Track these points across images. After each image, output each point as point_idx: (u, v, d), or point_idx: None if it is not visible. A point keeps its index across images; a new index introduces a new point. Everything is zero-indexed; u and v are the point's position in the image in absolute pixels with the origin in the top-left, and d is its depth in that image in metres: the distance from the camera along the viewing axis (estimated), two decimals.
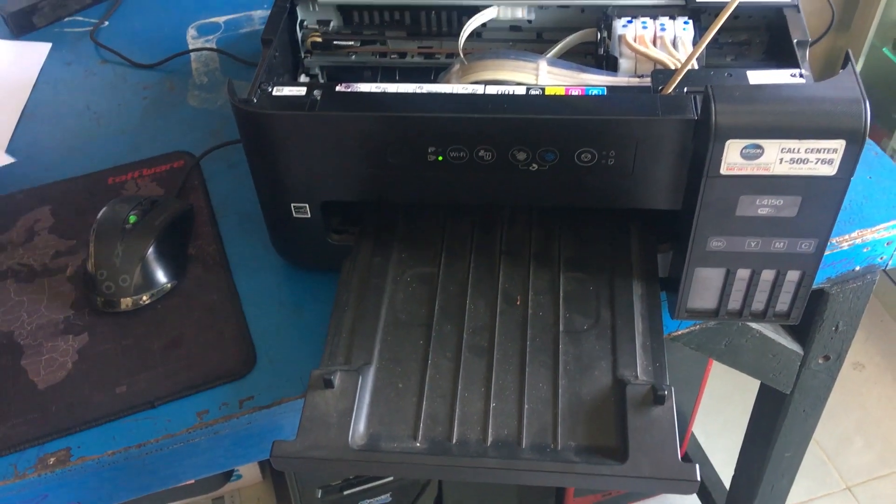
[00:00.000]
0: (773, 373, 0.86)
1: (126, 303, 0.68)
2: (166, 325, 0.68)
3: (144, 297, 0.69)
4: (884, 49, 1.62)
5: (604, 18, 0.68)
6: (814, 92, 0.52)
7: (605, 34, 0.67)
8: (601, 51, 0.68)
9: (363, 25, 0.75)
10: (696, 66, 0.63)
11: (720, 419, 1.58)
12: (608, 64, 0.67)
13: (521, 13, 0.72)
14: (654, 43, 0.65)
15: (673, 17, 0.67)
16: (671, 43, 0.65)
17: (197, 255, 0.73)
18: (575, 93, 0.60)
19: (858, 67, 1.66)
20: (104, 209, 0.71)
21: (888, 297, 1.73)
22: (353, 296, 0.63)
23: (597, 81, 0.64)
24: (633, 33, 0.66)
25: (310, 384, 0.56)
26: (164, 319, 0.68)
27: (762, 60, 0.70)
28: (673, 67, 0.63)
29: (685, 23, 0.66)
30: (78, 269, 0.72)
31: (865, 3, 1.61)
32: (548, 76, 0.64)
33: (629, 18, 0.67)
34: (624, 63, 0.66)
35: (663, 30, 0.66)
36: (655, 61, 0.64)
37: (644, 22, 0.67)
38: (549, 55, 0.69)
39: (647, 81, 0.62)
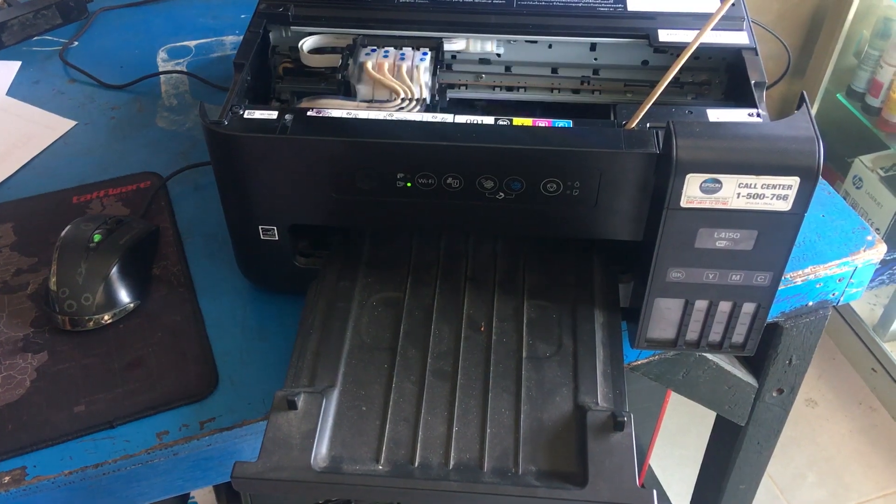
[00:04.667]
0: (728, 404, 0.87)
1: (88, 322, 0.68)
2: (128, 344, 0.67)
3: (106, 317, 0.68)
4: (837, 95, 1.68)
5: (350, 45, 0.70)
6: (770, 130, 0.55)
7: (350, 60, 0.69)
8: (339, 76, 0.69)
9: (335, 52, 0.76)
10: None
11: (676, 452, 1.60)
12: (346, 89, 0.69)
13: (489, 46, 0.73)
14: (393, 71, 0.68)
15: (414, 49, 0.69)
16: (407, 72, 0.67)
17: (161, 276, 0.73)
18: (542, 124, 0.61)
19: (813, 112, 1.72)
20: (68, 227, 0.71)
21: (840, 335, 1.77)
22: (318, 318, 0.64)
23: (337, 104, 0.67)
24: (374, 61, 0.68)
25: (273, 405, 0.56)
26: (125, 339, 0.68)
27: (721, 100, 0.72)
28: (405, 95, 0.66)
29: (423, 54, 0.69)
30: (40, 287, 0.71)
31: (820, 50, 1.67)
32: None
33: (373, 47, 0.69)
34: (362, 89, 0.68)
35: (402, 58, 0.68)
36: (391, 89, 0.67)
37: (386, 51, 0.69)
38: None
39: (387, 107, 0.65)
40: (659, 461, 1.57)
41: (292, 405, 0.55)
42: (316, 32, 0.73)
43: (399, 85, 0.67)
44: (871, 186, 1.61)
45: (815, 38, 1.69)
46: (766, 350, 0.81)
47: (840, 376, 1.76)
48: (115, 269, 0.68)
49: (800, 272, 0.73)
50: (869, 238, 0.75)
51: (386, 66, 0.68)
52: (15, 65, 0.98)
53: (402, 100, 0.66)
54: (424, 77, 0.67)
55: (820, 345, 0.83)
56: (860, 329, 1.70)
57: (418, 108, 0.66)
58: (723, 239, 0.57)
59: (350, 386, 0.59)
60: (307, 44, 0.72)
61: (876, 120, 1.61)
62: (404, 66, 0.68)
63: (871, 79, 1.60)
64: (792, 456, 1.63)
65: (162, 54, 1.01)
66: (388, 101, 0.67)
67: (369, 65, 0.67)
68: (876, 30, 1.58)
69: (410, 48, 0.70)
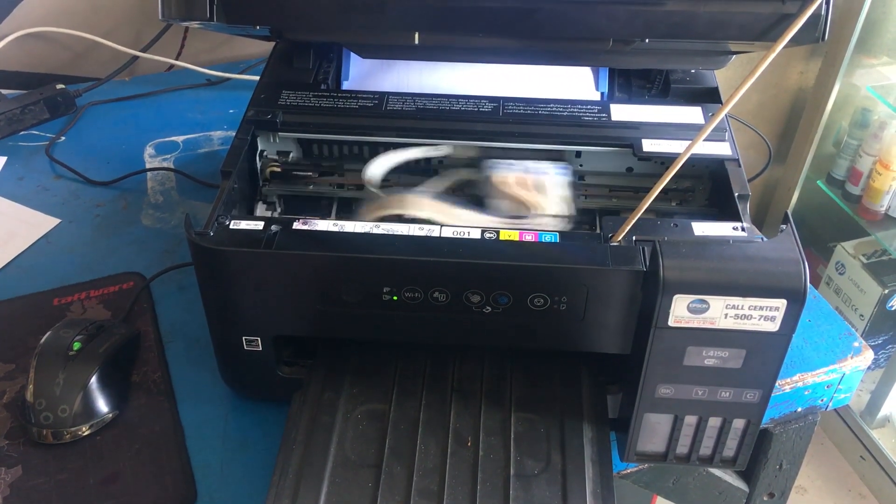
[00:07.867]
0: None
1: (65, 435, 0.66)
2: (104, 458, 0.66)
3: (84, 429, 0.66)
4: (818, 181, 1.70)
5: (479, 159, 0.70)
6: (757, 252, 0.55)
7: (482, 174, 0.69)
8: (476, 190, 0.69)
9: (322, 157, 0.77)
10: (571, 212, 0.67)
11: None
12: (482, 202, 0.69)
13: (476, 152, 0.74)
14: (525, 185, 0.67)
15: (545, 161, 0.70)
16: (539, 186, 0.67)
17: (141, 383, 0.72)
18: (528, 238, 0.61)
19: (794, 199, 1.75)
20: (48, 334, 0.70)
21: (828, 421, 1.75)
22: (301, 433, 0.62)
23: (471, 218, 0.65)
24: (504, 175, 0.68)
25: None
26: (102, 452, 0.66)
27: (706, 206, 0.73)
28: (539, 211, 0.66)
29: (559, 168, 0.69)
30: (16, 396, 0.70)
31: (800, 139, 1.70)
32: (430, 211, 0.65)
33: (506, 162, 0.69)
34: (495, 203, 0.67)
35: (533, 173, 0.68)
36: (525, 203, 0.66)
37: (516, 165, 0.69)
38: (436, 190, 0.70)
39: (516, 223, 0.63)
40: None
41: None
42: (303, 139, 0.74)
43: (533, 199, 0.66)
44: (854, 273, 1.62)
45: (794, 126, 1.72)
46: (756, 455, 0.80)
47: (829, 463, 1.74)
48: (94, 379, 0.67)
49: (788, 380, 0.72)
50: (856, 345, 0.75)
51: (517, 179, 0.67)
52: (0, 160, 0.98)
53: (543, 216, 0.65)
54: (559, 190, 0.67)
55: None
56: (847, 416, 1.69)
57: (562, 225, 0.65)
58: (711, 357, 0.57)
59: None
60: (372, 171, 0.70)
61: (856, 207, 1.63)
62: (536, 180, 0.67)
63: (850, 167, 1.63)
64: None
65: (149, 149, 1.01)
66: (523, 216, 0.65)
67: (499, 178, 0.67)
68: (854, 120, 1.61)
69: (540, 161, 0.69)
